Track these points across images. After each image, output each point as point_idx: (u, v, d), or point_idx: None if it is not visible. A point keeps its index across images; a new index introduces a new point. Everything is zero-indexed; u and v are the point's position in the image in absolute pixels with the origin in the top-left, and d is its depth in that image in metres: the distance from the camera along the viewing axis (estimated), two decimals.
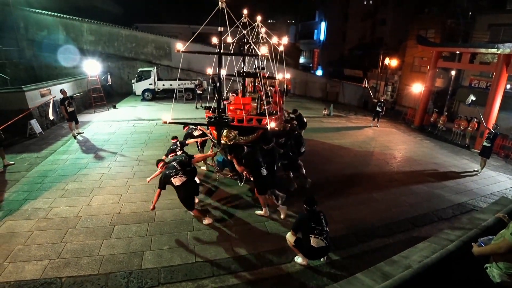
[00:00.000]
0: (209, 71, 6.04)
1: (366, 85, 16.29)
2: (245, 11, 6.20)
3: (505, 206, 3.93)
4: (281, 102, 7.34)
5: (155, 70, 15.94)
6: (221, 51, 4.72)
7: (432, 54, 13.26)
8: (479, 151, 9.09)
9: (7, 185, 5.97)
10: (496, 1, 16.83)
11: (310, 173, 7.24)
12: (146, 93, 15.67)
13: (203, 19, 4.89)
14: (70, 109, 8.84)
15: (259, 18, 6.79)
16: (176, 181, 4.43)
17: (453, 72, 17.19)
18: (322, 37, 32.30)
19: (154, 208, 4.67)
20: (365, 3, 27.83)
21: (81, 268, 3.80)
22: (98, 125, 10.70)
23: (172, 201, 5.33)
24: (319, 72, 31.65)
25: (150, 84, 15.61)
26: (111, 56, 17.27)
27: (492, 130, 8.34)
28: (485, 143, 8.32)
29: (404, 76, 21.63)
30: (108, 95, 14.84)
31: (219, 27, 4.56)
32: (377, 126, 12.80)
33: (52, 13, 16.11)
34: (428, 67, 13.84)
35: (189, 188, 4.55)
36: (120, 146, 8.42)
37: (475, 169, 8.54)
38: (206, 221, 4.83)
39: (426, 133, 13.13)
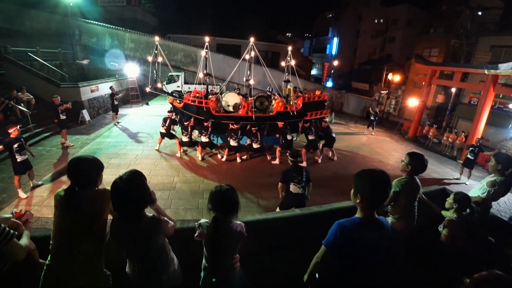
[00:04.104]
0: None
1: (376, 98, 16.85)
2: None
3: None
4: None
5: (183, 75, 17.37)
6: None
7: (427, 72, 13.71)
8: (462, 162, 9.40)
9: (68, 157, 7.37)
10: (501, 24, 16.81)
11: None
12: (174, 94, 17.12)
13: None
14: (115, 103, 10.34)
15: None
16: None
17: (453, 90, 17.33)
18: (334, 51, 32.85)
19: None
20: (376, 21, 28.17)
21: None
22: (134, 117, 12.15)
23: (189, 178, 6.46)
24: (329, 84, 32.15)
25: (178, 86, 17.04)
26: (146, 61, 18.96)
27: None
28: (468, 156, 8.62)
29: (408, 91, 21.83)
30: (142, 93, 16.42)
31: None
32: (372, 134, 13.32)
33: (101, 24, 18.06)
34: (423, 83, 14.26)
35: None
36: (151, 135, 9.71)
37: (455, 177, 8.98)
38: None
39: (418, 143, 13.47)
